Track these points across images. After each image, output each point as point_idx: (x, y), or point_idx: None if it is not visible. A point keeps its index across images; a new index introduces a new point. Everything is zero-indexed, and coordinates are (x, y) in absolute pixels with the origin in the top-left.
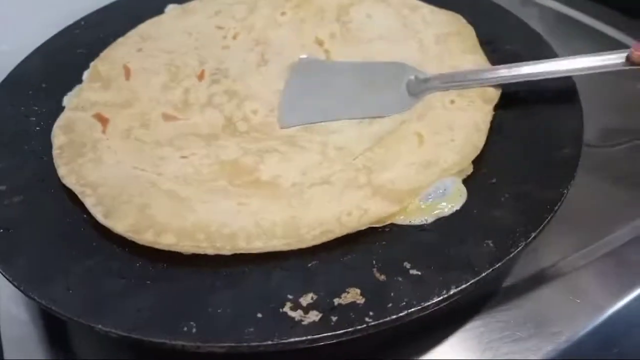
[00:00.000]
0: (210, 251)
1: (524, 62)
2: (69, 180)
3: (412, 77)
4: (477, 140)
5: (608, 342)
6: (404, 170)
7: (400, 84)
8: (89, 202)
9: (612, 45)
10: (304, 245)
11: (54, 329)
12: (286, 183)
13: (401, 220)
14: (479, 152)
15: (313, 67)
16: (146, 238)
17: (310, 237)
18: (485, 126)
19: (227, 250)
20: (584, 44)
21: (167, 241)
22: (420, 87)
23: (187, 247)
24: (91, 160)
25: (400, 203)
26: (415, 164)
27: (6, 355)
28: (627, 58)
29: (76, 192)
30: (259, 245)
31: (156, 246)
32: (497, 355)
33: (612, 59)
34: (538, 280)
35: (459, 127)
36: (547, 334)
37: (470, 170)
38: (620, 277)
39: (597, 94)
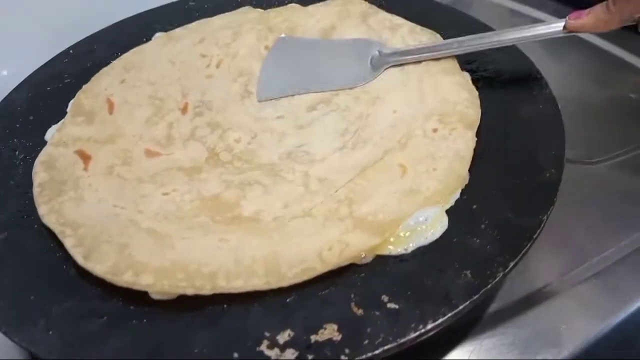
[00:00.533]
0: (190, 291)
1: (471, 35)
2: (49, 220)
3: (376, 52)
4: (459, 168)
5: None
6: (385, 200)
7: (365, 59)
8: (68, 243)
9: (607, 58)
10: (284, 284)
11: None
12: (268, 217)
13: (380, 250)
14: (463, 180)
15: (290, 44)
16: (125, 279)
17: (291, 275)
18: (468, 154)
19: (206, 290)
20: (574, 55)
21: (145, 282)
22: (381, 61)
23: (166, 286)
24: (72, 199)
25: (381, 235)
26: (397, 193)
27: None
28: (564, 27)
29: (56, 232)
30: (239, 285)
31: (135, 287)
32: None
33: (552, 28)
34: (524, 305)
35: (440, 156)
36: None
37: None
38: (605, 301)
39: (582, 109)
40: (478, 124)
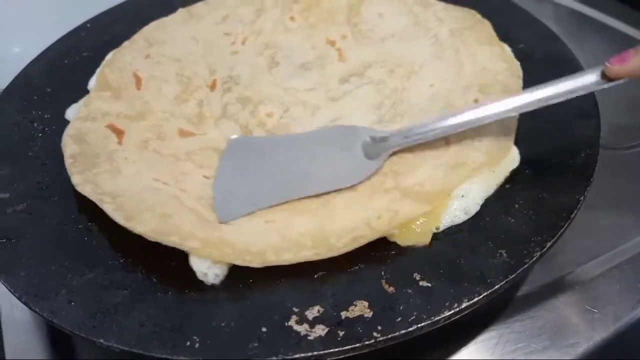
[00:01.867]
0: (239, 262)
1: (488, 101)
2: (84, 189)
3: (368, 139)
4: (504, 139)
5: (626, 353)
6: (431, 173)
7: (354, 149)
8: (107, 208)
9: (625, 41)
10: (335, 254)
11: (58, 336)
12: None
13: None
14: (508, 152)
15: (246, 146)
16: (172, 239)
17: (340, 244)
18: (512, 125)
19: (256, 263)
20: (598, 41)
21: (193, 245)
22: (379, 147)
23: (214, 254)
24: (107, 171)
25: (430, 203)
26: (443, 165)
27: None
28: (603, 75)
29: (93, 200)
30: (288, 257)
31: (181, 247)
32: None
33: (585, 80)
34: (554, 289)
35: (485, 128)
36: (563, 346)
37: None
38: (636, 287)
39: (615, 94)
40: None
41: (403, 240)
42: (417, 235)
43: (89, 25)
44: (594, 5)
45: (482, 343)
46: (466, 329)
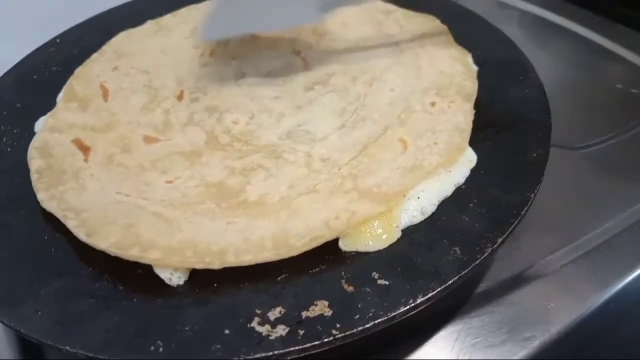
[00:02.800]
0: (199, 265)
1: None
2: (50, 205)
3: None
4: (460, 141)
5: (582, 345)
6: (389, 175)
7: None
8: (71, 224)
9: (588, 45)
10: (294, 254)
11: (28, 344)
12: (273, 199)
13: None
14: (463, 152)
15: None
16: (132, 253)
17: (300, 244)
18: (467, 126)
19: (216, 265)
20: (562, 45)
21: (153, 256)
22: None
23: (174, 262)
24: (74, 189)
25: (386, 204)
26: (400, 168)
27: None
28: None
29: (57, 216)
30: (248, 258)
31: (142, 261)
32: None
33: None
34: (512, 284)
35: (440, 130)
36: (520, 339)
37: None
38: (591, 281)
39: (571, 94)
40: (475, 97)
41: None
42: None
43: (58, 40)
44: (558, 11)
45: (442, 339)
46: (427, 326)
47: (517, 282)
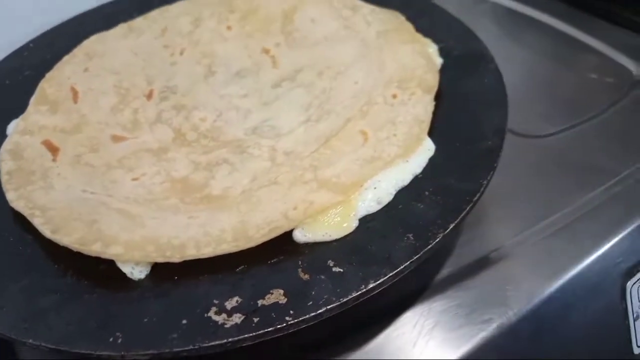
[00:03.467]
0: (160, 259)
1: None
2: (18, 204)
3: None
4: (418, 132)
5: (539, 328)
6: (348, 166)
7: None
8: (37, 222)
9: (562, 38)
10: (253, 244)
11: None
12: (235, 192)
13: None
14: (421, 143)
15: None
16: (93, 249)
17: (259, 235)
18: (427, 117)
19: (176, 258)
20: (535, 38)
21: (114, 251)
22: None
23: (136, 256)
24: (41, 188)
25: (344, 194)
26: (360, 160)
27: None
28: None
29: (25, 214)
30: (208, 251)
31: (104, 256)
32: (429, 345)
33: None
34: (471, 270)
35: (401, 122)
36: (478, 322)
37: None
38: (550, 264)
39: (531, 83)
40: (436, 89)
41: (332, 233)
42: (343, 227)
43: (31, 45)
44: (530, 3)
45: (402, 323)
46: (389, 312)
47: (476, 267)
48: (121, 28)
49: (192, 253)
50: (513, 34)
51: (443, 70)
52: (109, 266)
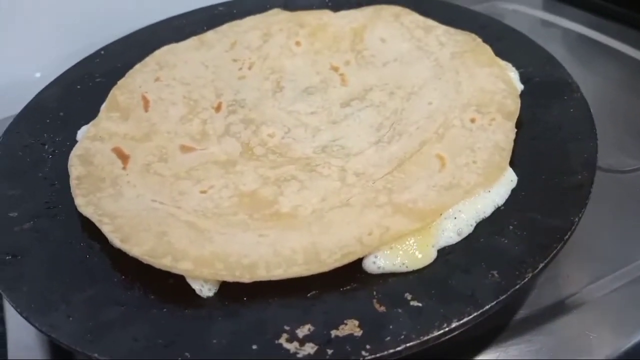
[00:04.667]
0: (229, 279)
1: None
2: (86, 210)
3: None
4: (499, 160)
5: None
6: (425, 192)
7: None
8: (106, 229)
9: (635, 65)
10: (325, 269)
11: (60, 354)
12: (305, 211)
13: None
14: (503, 173)
15: None
16: (164, 263)
17: (331, 260)
18: (508, 145)
19: (246, 279)
20: (607, 65)
21: (185, 267)
22: None
23: (205, 273)
24: (111, 195)
25: (422, 221)
26: (437, 186)
27: None
28: None
29: (94, 221)
30: (279, 273)
31: (173, 271)
32: None
33: None
34: (552, 312)
35: (480, 148)
36: None
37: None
38: (636, 311)
39: (617, 117)
40: (517, 115)
41: (409, 264)
42: (421, 258)
43: (102, 52)
44: (602, 30)
45: None
46: (462, 353)
47: (557, 310)
48: (192, 41)
49: (262, 274)
50: (584, 60)
51: (523, 97)
52: (176, 281)
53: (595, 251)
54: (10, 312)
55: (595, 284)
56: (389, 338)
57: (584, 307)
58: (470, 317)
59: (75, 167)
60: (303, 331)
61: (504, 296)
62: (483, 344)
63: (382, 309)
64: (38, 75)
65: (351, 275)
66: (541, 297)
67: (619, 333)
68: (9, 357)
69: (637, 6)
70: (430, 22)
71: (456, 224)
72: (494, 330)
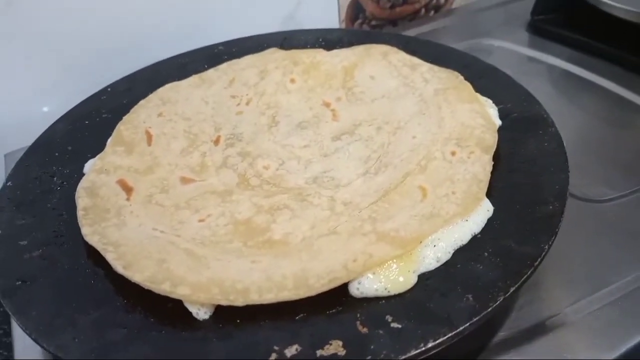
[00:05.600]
0: (224, 302)
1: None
2: (92, 239)
3: None
4: (477, 191)
5: None
6: (407, 221)
7: None
8: (110, 257)
9: (616, 101)
10: (313, 293)
11: None
12: (296, 239)
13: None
14: (479, 203)
15: None
16: (163, 288)
17: (319, 285)
18: (485, 177)
19: (239, 302)
20: (588, 98)
21: (182, 292)
22: None
23: (201, 298)
24: (115, 225)
25: (403, 248)
26: (418, 215)
27: None
28: None
29: (98, 249)
30: (270, 297)
31: (172, 296)
32: None
33: None
34: (528, 335)
35: (459, 180)
36: None
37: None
38: (608, 335)
39: (595, 148)
40: (495, 149)
41: (392, 288)
42: (402, 283)
43: (109, 89)
44: (585, 65)
45: None
46: None
47: (535, 332)
48: (194, 79)
49: (254, 298)
50: (568, 95)
51: (501, 132)
52: (175, 305)
53: (571, 276)
54: (18, 336)
55: (570, 307)
56: (369, 357)
57: (559, 329)
58: (445, 337)
59: (82, 199)
60: (291, 351)
61: (476, 318)
62: None
63: (365, 330)
64: (46, 110)
65: (337, 299)
66: (519, 320)
67: (592, 355)
68: None
69: (616, 43)
70: (416, 60)
71: (435, 251)
72: (474, 351)
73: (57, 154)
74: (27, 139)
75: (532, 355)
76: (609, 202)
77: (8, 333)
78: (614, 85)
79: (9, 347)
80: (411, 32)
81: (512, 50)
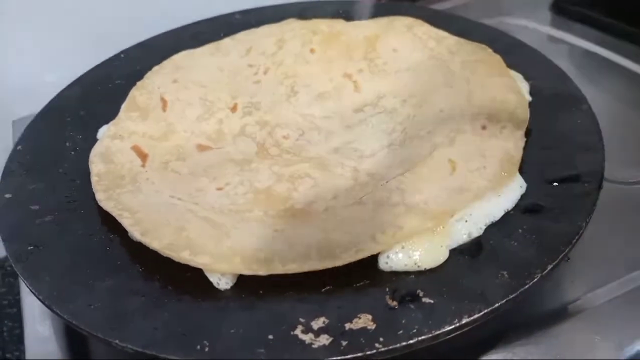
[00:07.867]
0: (246, 272)
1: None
2: (107, 204)
3: None
4: (509, 167)
5: None
6: (437, 193)
7: None
8: (126, 223)
9: (638, 81)
10: (339, 264)
11: (77, 346)
12: (319, 208)
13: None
14: (512, 179)
15: None
16: (183, 256)
17: (345, 256)
18: (517, 153)
19: (262, 272)
20: (612, 81)
21: (203, 261)
22: None
23: (223, 267)
24: (130, 191)
25: (434, 220)
26: (448, 189)
27: None
28: None
29: (114, 215)
30: (294, 267)
31: (192, 264)
32: None
33: None
34: (559, 316)
35: (491, 155)
36: None
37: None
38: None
39: (619, 130)
40: (527, 125)
41: (422, 262)
42: (433, 258)
43: (122, 55)
44: (609, 46)
45: None
46: (470, 351)
47: (565, 313)
48: (209, 47)
49: (278, 268)
50: (591, 76)
51: (532, 108)
52: (194, 273)
53: (599, 259)
54: (27, 306)
55: (600, 289)
56: (401, 331)
57: (588, 311)
58: (481, 313)
59: (95, 165)
60: (318, 324)
61: (513, 295)
62: (490, 344)
63: (395, 304)
64: (55, 77)
65: (364, 273)
66: (548, 300)
67: (622, 338)
68: (26, 354)
69: None
70: (442, 33)
71: (467, 226)
72: (500, 331)
73: (68, 119)
74: (36, 106)
75: (559, 337)
76: (637, 185)
77: (13, 304)
78: (636, 66)
79: (14, 317)
80: None
81: (535, 30)
